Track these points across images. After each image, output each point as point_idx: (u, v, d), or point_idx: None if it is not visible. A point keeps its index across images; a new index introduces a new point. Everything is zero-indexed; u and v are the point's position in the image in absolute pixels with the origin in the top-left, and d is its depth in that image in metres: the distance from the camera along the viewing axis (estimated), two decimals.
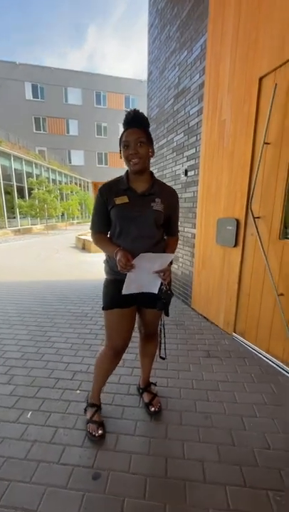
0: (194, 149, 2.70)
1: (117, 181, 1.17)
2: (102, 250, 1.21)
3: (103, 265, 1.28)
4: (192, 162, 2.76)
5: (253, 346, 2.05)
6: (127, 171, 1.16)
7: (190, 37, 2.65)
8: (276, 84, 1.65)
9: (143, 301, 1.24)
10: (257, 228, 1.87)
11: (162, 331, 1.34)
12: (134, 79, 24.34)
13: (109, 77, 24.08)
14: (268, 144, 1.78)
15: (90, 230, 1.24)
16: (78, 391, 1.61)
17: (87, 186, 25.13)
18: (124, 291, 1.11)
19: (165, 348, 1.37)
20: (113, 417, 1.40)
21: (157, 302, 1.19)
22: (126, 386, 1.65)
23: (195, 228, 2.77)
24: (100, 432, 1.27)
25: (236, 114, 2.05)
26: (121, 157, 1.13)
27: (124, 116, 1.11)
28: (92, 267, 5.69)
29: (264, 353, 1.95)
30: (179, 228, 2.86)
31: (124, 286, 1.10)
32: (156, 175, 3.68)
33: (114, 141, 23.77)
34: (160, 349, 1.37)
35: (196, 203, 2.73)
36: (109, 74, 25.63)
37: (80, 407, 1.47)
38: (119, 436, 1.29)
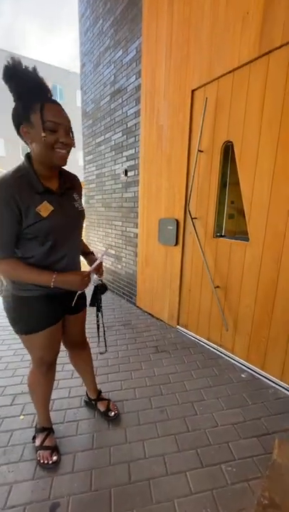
0: (134, 150, 2.73)
1: (23, 179, 0.84)
2: (24, 280, 0.90)
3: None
4: (132, 162, 2.79)
5: (195, 336, 2.25)
6: (29, 160, 0.86)
7: (124, 37, 2.65)
8: (207, 98, 1.83)
9: (70, 307, 1.05)
10: (195, 228, 2.05)
11: (99, 326, 1.26)
12: (62, 68, 22.81)
13: (33, 60, 21.79)
14: (201, 151, 1.96)
15: None
16: (22, 416, 1.41)
17: None
18: (75, 302, 1.03)
19: (105, 340, 1.35)
20: (68, 436, 1.29)
21: (91, 299, 1.14)
22: (78, 398, 1.54)
23: (137, 228, 2.82)
24: (54, 458, 1.14)
25: (172, 121, 2.18)
26: (42, 136, 0.79)
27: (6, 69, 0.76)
28: None
29: (205, 340, 2.16)
30: (122, 228, 2.78)
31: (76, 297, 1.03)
32: (95, 173, 3.59)
33: None
34: (99, 343, 1.32)
35: (137, 203, 2.78)
36: (33, 57, 23.20)
37: (26, 434, 1.29)
38: (76, 454, 1.20)
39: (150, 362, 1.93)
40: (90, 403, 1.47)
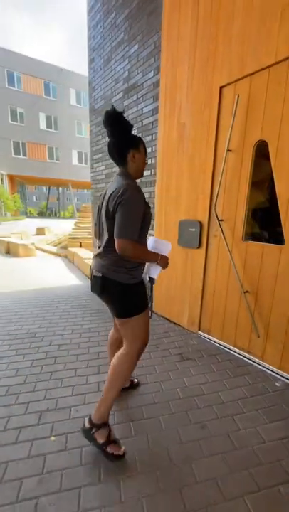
0: (150, 149, 2.63)
1: None
2: (143, 259, 1.18)
3: (117, 274, 1.16)
4: (148, 162, 2.68)
5: (220, 342, 2.17)
6: (129, 175, 1.19)
7: (141, 31, 2.55)
8: (238, 96, 1.76)
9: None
10: (222, 230, 1.97)
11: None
12: (54, 65, 22.41)
13: (25, 57, 21.30)
14: (230, 151, 1.89)
15: (125, 240, 1.06)
16: (53, 438, 1.29)
17: (2, 179, 21.65)
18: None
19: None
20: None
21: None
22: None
23: (153, 229, 2.72)
24: (123, 448, 1.19)
25: (196, 119, 2.09)
26: (144, 160, 1.23)
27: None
28: (27, 274, 4.89)
29: (231, 346, 2.09)
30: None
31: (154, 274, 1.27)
32: (104, 172, 3.47)
33: (34, 130, 21.34)
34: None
35: (153, 204, 2.68)
36: (24, 54, 22.61)
37: (61, 459, 1.17)
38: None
39: (177, 371, 1.84)
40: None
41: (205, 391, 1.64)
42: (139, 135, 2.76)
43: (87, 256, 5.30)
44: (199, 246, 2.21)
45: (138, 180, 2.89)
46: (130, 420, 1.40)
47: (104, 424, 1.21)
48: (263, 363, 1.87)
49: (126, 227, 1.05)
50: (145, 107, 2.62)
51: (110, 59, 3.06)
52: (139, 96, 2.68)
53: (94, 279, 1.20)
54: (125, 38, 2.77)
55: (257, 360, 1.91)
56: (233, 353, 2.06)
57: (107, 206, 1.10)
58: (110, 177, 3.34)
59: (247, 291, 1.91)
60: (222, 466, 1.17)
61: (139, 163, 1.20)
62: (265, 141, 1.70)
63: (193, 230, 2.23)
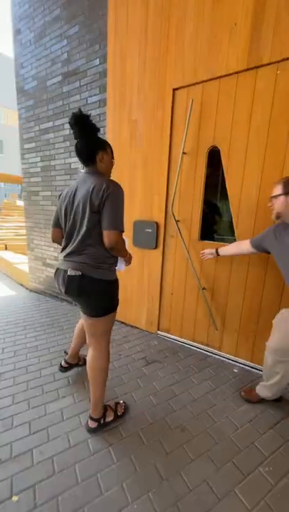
0: None
1: None
2: (123, 254, 1.22)
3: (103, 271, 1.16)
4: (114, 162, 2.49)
5: (180, 339, 2.23)
6: (100, 173, 1.21)
7: (82, 11, 2.32)
8: (192, 100, 1.81)
9: None
10: (180, 230, 2.02)
11: None
12: None
13: None
14: (185, 153, 1.94)
15: (117, 232, 1.10)
16: (15, 497, 1.02)
17: None
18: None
19: None
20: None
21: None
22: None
23: None
24: (121, 401, 1.46)
25: (150, 118, 2.06)
26: (112, 162, 1.29)
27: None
28: None
29: (191, 342, 2.18)
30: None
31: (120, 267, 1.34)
32: (39, 165, 3.04)
33: None
34: None
35: None
36: None
37: None
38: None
39: (146, 377, 1.79)
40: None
41: (176, 392, 1.65)
42: None
43: (19, 261, 4.59)
44: (156, 247, 2.20)
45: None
46: (109, 445, 1.26)
47: (105, 410, 1.36)
48: (222, 353, 2.03)
49: (116, 218, 1.08)
50: (90, 96, 2.41)
51: (44, 35, 2.67)
52: (82, 83, 2.44)
53: (69, 280, 1.13)
54: (63, 15, 2.46)
55: (216, 351, 2.06)
56: (193, 348, 2.15)
57: (91, 201, 1.08)
58: (48, 170, 2.95)
59: (204, 288, 2.02)
60: (209, 465, 1.18)
61: (107, 163, 1.24)
62: (216, 146, 1.81)
63: (150, 230, 2.20)
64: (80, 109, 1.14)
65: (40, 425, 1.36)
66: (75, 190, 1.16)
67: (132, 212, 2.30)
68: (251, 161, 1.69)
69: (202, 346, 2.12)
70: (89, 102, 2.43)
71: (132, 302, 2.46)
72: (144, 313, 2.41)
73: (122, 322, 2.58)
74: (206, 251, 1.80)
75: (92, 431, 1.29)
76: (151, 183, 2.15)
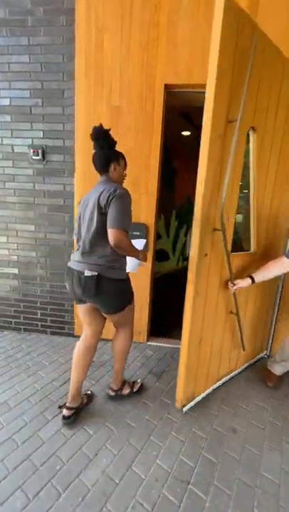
0: (61, 125, 1.95)
1: None
2: (130, 253, 1.22)
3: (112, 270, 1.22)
4: (57, 142, 1.98)
5: (168, 345, 2.20)
6: (112, 181, 1.28)
7: None
8: (256, 37, 1.78)
9: None
10: (225, 242, 1.67)
11: None
12: None
13: None
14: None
15: (120, 230, 1.13)
16: None
17: None
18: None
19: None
20: None
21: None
22: None
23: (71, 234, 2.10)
24: (138, 380, 1.70)
25: (136, 108, 1.85)
26: (124, 173, 1.36)
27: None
28: None
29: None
30: (37, 234, 2.21)
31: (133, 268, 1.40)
32: None
33: None
34: None
35: (70, 199, 2.05)
36: None
37: None
38: None
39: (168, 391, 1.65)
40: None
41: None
42: (38, 101, 1.94)
43: None
44: (146, 251, 2.04)
45: (37, 163, 2.16)
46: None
47: (123, 384, 1.58)
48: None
49: (121, 217, 1.13)
50: (48, 63, 1.87)
51: None
52: (34, 43, 1.85)
53: (86, 280, 1.17)
54: None
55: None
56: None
57: (98, 204, 1.16)
58: None
59: (232, 312, 2.07)
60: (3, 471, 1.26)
61: (119, 174, 1.33)
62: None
63: (138, 233, 2.01)
64: (101, 124, 1.24)
65: None
66: (89, 196, 1.25)
67: None
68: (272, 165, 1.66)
69: None
70: (45, 69, 1.88)
71: None
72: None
73: (105, 339, 2.23)
74: (239, 281, 1.50)
75: (110, 398, 1.55)
76: (137, 181, 1.95)
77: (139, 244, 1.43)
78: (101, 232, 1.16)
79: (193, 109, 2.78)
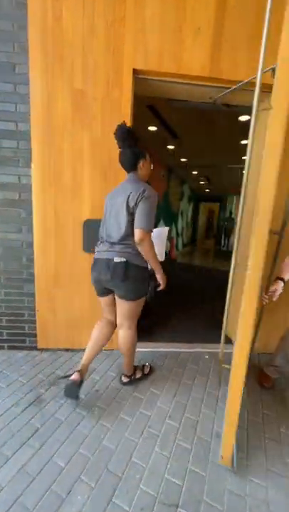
0: (13, 106, 1.66)
1: None
2: (150, 256, 1.30)
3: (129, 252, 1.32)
4: (9, 126, 1.69)
5: (156, 347, 2.09)
6: (139, 180, 1.37)
7: None
8: None
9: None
10: (279, 248, 1.79)
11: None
12: None
13: None
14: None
15: (144, 230, 1.24)
16: None
17: None
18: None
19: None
20: None
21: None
22: None
23: (31, 233, 1.83)
24: (147, 364, 1.83)
25: (103, 93, 1.67)
26: (150, 166, 1.43)
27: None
28: None
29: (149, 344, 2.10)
30: None
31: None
32: None
33: None
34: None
35: (27, 193, 1.78)
36: None
37: None
38: None
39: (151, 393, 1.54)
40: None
41: (193, 406, 1.56)
42: None
43: None
44: None
45: None
46: None
47: (135, 369, 1.70)
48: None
49: (146, 218, 1.24)
50: None
51: None
52: None
53: (115, 266, 1.29)
54: None
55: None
56: (166, 350, 2.10)
57: (127, 205, 1.26)
58: None
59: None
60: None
61: (147, 169, 1.40)
62: None
63: None
64: (124, 122, 1.33)
65: None
66: (116, 193, 1.36)
67: (79, 209, 1.81)
68: None
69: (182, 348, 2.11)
70: None
71: (84, 323, 1.98)
72: None
73: (68, 349, 2.02)
74: (275, 288, 1.43)
75: (125, 384, 1.65)
76: (107, 171, 1.78)
77: (158, 233, 1.59)
78: (129, 229, 1.28)
79: (161, 102, 2.70)
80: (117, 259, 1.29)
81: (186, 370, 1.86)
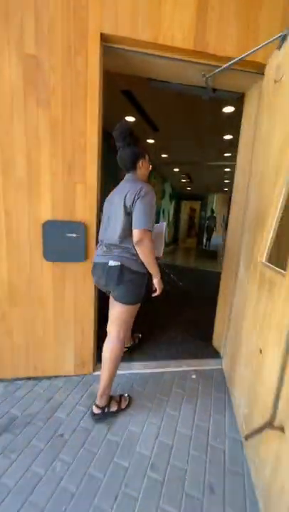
0: None
1: None
2: (149, 259, 1.24)
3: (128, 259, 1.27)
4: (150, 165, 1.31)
5: (134, 369, 1.79)
6: (138, 179, 1.32)
7: None
8: None
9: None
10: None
11: None
12: None
13: None
14: None
15: (143, 230, 1.19)
16: None
17: None
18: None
19: None
20: None
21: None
22: None
23: None
24: (126, 394, 1.54)
25: (63, 61, 1.33)
26: (149, 166, 1.39)
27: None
28: None
29: (140, 366, 1.81)
30: None
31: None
32: None
33: None
34: None
35: None
36: None
37: None
38: None
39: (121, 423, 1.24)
40: None
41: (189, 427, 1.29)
42: None
43: None
44: (86, 258, 1.57)
45: None
46: None
47: (111, 399, 1.43)
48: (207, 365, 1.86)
49: (145, 218, 1.18)
50: None
51: None
52: None
53: (110, 270, 1.25)
54: None
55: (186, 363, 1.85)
56: (147, 371, 1.81)
57: (124, 205, 1.21)
58: None
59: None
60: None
61: (146, 168, 1.36)
62: None
63: (74, 235, 1.52)
64: (125, 120, 1.50)
65: None
66: (114, 194, 1.31)
67: (35, 209, 1.46)
68: None
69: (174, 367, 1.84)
70: None
71: (47, 344, 1.64)
72: (71, 352, 1.69)
73: (30, 378, 1.67)
74: None
75: (96, 417, 1.37)
76: (69, 165, 1.45)
77: (156, 228, 1.51)
78: (127, 231, 1.23)
79: (138, 87, 2.39)
80: (112, 263, 1.24)
81: (172, 397, 1.59)
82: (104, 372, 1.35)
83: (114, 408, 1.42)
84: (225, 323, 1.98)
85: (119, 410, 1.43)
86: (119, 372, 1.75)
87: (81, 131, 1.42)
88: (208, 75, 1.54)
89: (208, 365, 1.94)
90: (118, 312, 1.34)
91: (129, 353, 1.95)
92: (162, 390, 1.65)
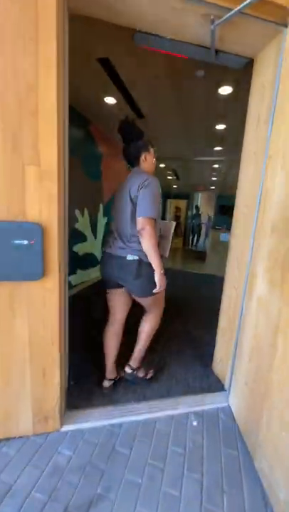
0: None
1: None
2: (153, 250, 1.22)
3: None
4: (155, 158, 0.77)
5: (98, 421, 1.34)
6: (144, 172, 1.33)
7: None
8: None
9: None
10: None
11: None
12: None
13: None
14: None
15: (147, 218, 1.19)
16: None
17: None
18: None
19: None
20: None
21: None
22: None
23: None
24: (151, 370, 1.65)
25: (12, 31, 0.85)
26: (154, 159, 1.40)
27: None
28: None
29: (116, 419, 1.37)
30: None
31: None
32: None
33: None
34: None
35: None
36: None
37: None
38: None
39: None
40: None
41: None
42: None
43: None
44: (44, 275, 1.09)
45: None
46: None
47: (140, 367, 1.58)
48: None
49: (149, 206, 1.20)
50: None
51: None
52: None
53: (128, 264, 1.26)
54: None
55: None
56: (133, 419, 1.36)
57: (130, 196, 1.24)
58: None
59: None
60: None
61: (150, 162, 1.38)
62: None
63: (25, 242, 1.03)
64: (126, 116, 1.33)
65: None
66: (121, 187, 1.32)
67: None
68: None
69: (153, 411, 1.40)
70: None
71: None
72: (27, 404, 1.21)
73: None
74: None
75: (128, 376, 1.55)
76: (13, 136, 0.97)
77: (164, 226, 1.50)
78: (135, 222, 1.23)
79: (118, 54, 1.92)
80: (130, 258, 1.26)
81: (168, 463, 1.16)
82: (139, 342, 1.51)
83: (141, 374, 1.59)
84: (229, 347, 1.59)
85: (144, 379, 1.58)
86: (96, 424, 1.30)
87: (29, 83, 0.94)
88: (217, 21, 1.12)
89: (211, 402, 1.53)
90: (149, 301, 1.39)
91: (114, 387, 1.53)
92: (155, 450, 1.21)
